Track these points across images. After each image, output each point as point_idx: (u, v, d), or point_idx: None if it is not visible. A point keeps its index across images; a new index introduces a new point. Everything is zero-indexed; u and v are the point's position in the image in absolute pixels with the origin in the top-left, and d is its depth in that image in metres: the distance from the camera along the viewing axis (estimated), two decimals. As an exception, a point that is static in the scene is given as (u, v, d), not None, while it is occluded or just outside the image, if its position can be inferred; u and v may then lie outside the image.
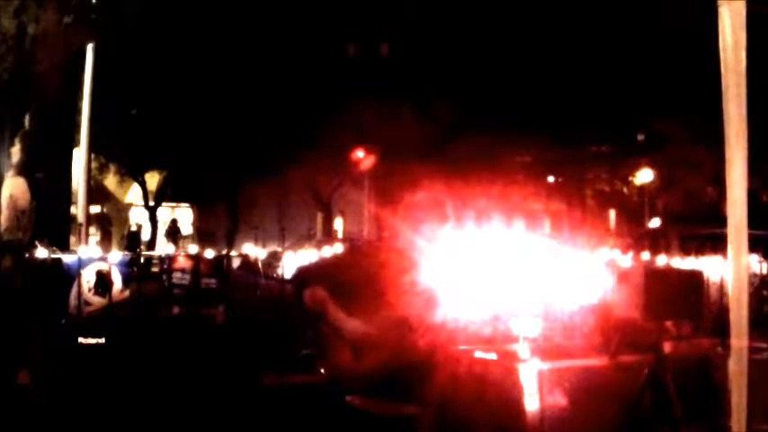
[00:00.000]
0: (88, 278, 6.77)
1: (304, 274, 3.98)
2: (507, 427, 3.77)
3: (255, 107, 19.64)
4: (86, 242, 12.67)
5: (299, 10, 18.59)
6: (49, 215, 11.45)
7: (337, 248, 6.69)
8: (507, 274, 3.91)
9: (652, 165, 25.57)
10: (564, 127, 22.25)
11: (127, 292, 7.00)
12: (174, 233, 23.50)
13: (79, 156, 13.26)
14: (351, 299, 3.71)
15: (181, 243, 22.40)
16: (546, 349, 4.02)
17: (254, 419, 5.11)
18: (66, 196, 12.34)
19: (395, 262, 3.78)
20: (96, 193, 21.83)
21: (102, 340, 6.17)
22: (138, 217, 27.01)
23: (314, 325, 3.78)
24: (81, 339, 6.14)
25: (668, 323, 4.08)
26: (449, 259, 3.85)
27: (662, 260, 7.29)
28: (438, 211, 3.95)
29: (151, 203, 24.21)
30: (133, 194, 27.05)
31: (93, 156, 14.93)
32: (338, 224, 29.18)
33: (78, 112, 13.00)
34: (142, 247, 19.80)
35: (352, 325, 3.67)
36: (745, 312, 2.95)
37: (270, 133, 20.46)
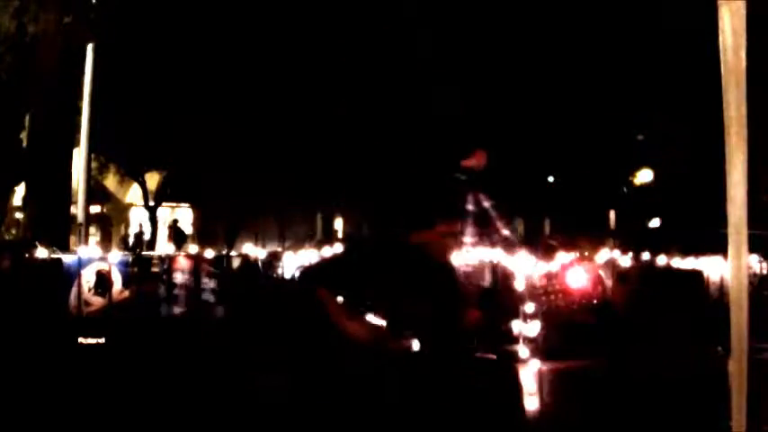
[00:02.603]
0: (88, 278, 6.78)
1: (311, 275, 3.96)
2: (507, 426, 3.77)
3: (255, 106, 19.64)
4: (86, 242, 12.68)
5: (298, 10, 18.60)
6: (49, 215, 11.48)
7: (338, 248, 6.70)
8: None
9: (652, 165, 25.60)
10: (564, 127, 22.25)
11: (127, 292, 7.01)
12: (178, 236, 23.35)
13: (79, 156, 13.27)
14: (354, 299, 3.71)
15: (183, 244, 22.37)
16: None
17: (252, 420, 5.11)
18: (67, 196, 12.37)
19: (397, 261, 3.78)
20: (96, 193, 21.82)
21: (102, 340, 6.17)
22: (138, 217, 27.00)
23: (318, 325, 3.76)
24: (81, 339, 6.14)
25: None
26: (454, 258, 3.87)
27: (662, 260, 7.31)
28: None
29: (151, 203, 24.20)
30: (133, 194, 27.04)
31: (93, 156, 14.94)
32: (338, 224, 29.19)
33: (78, 112, 13.01)
34: (143, 246, 19.82)
35: (354, 327, 3.67)
36: (745, 312, 2.95)
37: (269, 133, 20.45)
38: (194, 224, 28.23)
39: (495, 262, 6.13)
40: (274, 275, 8.42)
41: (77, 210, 13.19)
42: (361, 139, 20.02)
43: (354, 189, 22.40)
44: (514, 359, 4.72)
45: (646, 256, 7.24)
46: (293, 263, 8.23)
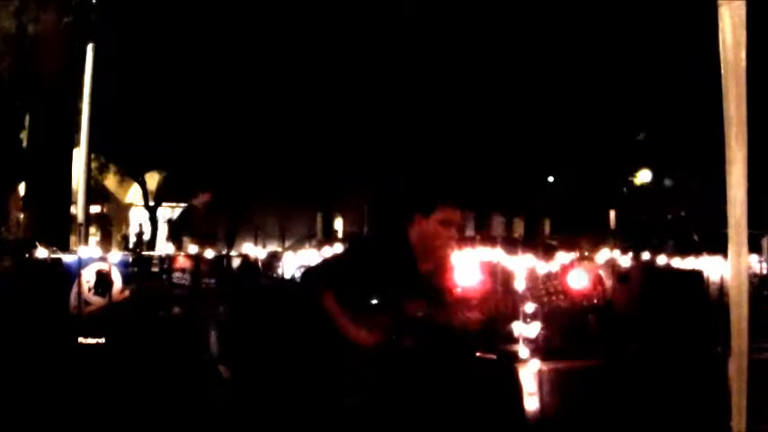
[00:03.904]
0: (88, 278, 6.77)
1: (313, 277, 3.93)
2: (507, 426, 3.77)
3: (256, 106, 19.64)
4: (86, 242, 12.67)
5: (297, 11, 18.60)
6: (48, 215, 11.47)
7: (338, 248, 6.69)
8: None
9: (652, 165, 25.63)
10: (564, 127, 22.25)
11: (127, 292, 7.00)
12: (175, 235, 23.39)
13: (79, 156, 13.27)
14: (357, 300, 3.70)
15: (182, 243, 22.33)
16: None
17: (251, 419, 5.11)
18: (67, 196, 12.36)
19: (400, 262, 3.78)
20: (96, 193, 21.81)
21: (102, 340, 6.16)
22: (138, 217, 27.01)
23: (323, 330, 3.74)
24: (81, 339, 6.14)
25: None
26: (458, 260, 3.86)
27: (662, 260, 7.30)
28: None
29: (151, 203, 24.20)
30: (133, 194, 27.05)
31: (93, 156, 14.94)
32: (338, 224, 29.17)
33: (78, 112, 13.01)
34: (143, 246, 19.82)
35: (363, 335, 3.66)
36: (745, 312, 2.95)
37: (269, 132, 20.46)
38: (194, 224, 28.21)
39: (494, 262, 6.13)
40: (274, 275, 8.42)
41: (77, 210, 13.19)
42: (362, 124, 20.05)
43: (357, 176, 22.49)
44: (514, 359, 4.72)
45: (646, 256, 7.24)
46: (293, 263, 8.23)
